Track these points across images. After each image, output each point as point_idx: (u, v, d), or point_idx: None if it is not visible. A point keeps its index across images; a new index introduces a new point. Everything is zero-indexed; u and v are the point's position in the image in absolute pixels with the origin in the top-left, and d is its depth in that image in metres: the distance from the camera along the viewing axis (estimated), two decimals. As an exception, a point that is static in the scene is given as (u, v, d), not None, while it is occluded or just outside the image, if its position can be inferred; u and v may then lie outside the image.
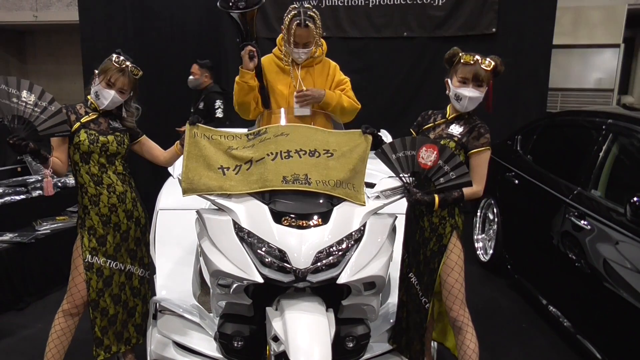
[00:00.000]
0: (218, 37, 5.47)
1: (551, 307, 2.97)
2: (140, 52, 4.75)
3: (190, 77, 4.68)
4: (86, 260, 2.15)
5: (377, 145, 2.05)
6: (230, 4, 2.28)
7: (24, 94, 1.96)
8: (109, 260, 2.19)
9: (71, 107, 2.16)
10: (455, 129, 2.05)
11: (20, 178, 3.96)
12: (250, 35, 2.35)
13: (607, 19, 6.06)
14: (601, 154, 2.83)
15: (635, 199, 2.19)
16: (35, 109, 1.97)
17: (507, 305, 3.46)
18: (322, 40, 2.67)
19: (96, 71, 2.15)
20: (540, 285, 3.21)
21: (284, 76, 2.57)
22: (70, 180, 3.99)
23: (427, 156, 1.93)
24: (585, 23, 6.10)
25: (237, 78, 2.49)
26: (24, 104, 1.95)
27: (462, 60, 2.01)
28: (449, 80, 2.07)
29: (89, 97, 2.19)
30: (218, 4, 2.27)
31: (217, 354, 2.07)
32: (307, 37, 2.44)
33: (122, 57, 2.13)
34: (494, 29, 5.13)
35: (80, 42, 4.89)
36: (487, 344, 2.73)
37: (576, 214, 2.75)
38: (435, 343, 2.40)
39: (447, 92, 2.09)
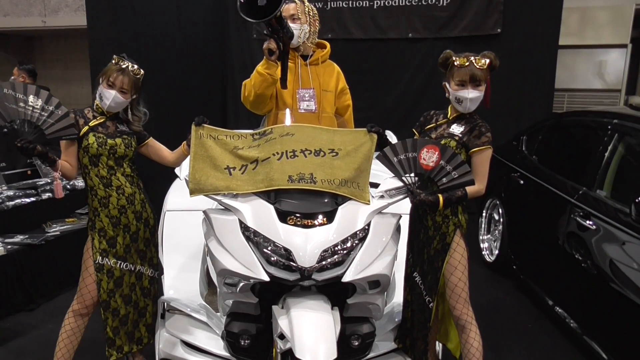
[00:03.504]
0: (224, 40, 5.52)
1: (557, 308, 2.97)
2: (148, 55, 4.80)
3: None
4: (97, 261, 2.18)
5: (382, 144, 2.07)
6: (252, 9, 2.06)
7: (31, 98, 2.01)
8: (119, 261, 2.23)
9: (79, 112, 2.21)
10: (457, 129, 2.07)
11: (30, 181, 4.01)
12: (275, 30, 2.21)
13: (614, 19, 6.03)
14: (607, 154, 2.82)
15: (640, 198, 2.19)
16: (42, 112, 2.02)
17: (513, 305, 3.46)
18: (326, 43, 2.71)
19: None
20: (546, 285, 3.20)
21: (289, 74, 2.59)
22: (79, 183, 4.04)
23: (429, 157, 1.94)
24: (591, 23, 6.07)
25: (259, 68, 2.38)
26: (31, 108, 2.00)
27: (456, 63, 2.02)
28: (447, 84, 2.09)
29: (96, 101, 2.22)
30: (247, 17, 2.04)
31: (225, 353, 2.10)
32: (293, 10, 2.48)
33: (122, 58, 2.16)
34: (499, 30, 5.14)
35: (89, 46, 4.94)
36: (493, 344, 2.74)
37: (582, 214, 2.75)
38: (440, 343, 2.41)
39: (446, 95, 2.11)
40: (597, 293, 2.56)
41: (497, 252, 3.94)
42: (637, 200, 2.22)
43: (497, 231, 4.01)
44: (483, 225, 4.23)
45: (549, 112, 5.27)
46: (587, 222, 2.68)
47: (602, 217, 2.59)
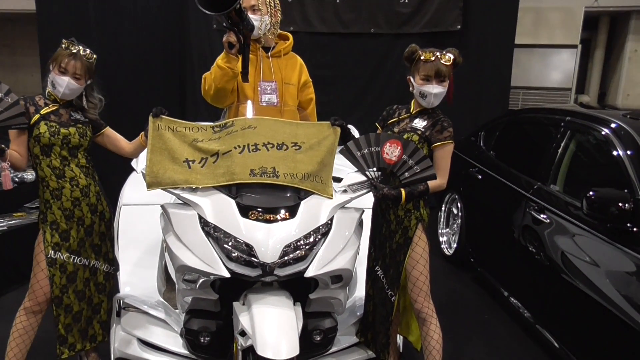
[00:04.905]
0: (183, 25, 5.38)
1: (512, 299, 3.06)
2: (103, 42, 4.62)
3: None
4: (49, 256, 2.08)
5: (345, 137, 2.07)
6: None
7: None
8: (72, 256, 2.14)
9: (30, 99, 2.09)
10: (419, 123, 2.09)
11: (-26, 173, 3.80)
12: (235, 22, 2.15)
13: (566, 20, 6.28)
14: (559, 150, 2.93)
15: (590, 193, 2.27)
16: None
17: (470, 297, 3.55)
18: (288, 34, 2.68)
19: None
20: (501, 277, 3.30)
21: (250, 67, 2.54)
22: (28, 176, 3.86)
23: (392, 151, 1.96)
24: (545, 24, 6.29)
25: (219, 62, 2.31)
26: None
27: (422, 58, 2.04)
28: (412, 78, 2.10)
29: (48, 89, 2.12)
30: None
31: (183, 350, 2.06)
32: (254, 1, 2.41)
33: (71, 42, 2.07)
34: (458, 26, 5.24)
35: (38, 32, 4.69)
36: (451, 335, 2.80)
37: (536, 208, 2.85)
38: (401, 336, 2.44)
39: (410, 89, 2.12)
40: (549, 284, 2.66)
41: (455, 245, 4.03)
42: (587, 195, 2.31)
43: (455, 225, 4.10)
44: (442, 219, 4.31)
45: (506, 108, 5.42)
46: (541, 215, 2.77)
47: (555, 211, 2.69)
